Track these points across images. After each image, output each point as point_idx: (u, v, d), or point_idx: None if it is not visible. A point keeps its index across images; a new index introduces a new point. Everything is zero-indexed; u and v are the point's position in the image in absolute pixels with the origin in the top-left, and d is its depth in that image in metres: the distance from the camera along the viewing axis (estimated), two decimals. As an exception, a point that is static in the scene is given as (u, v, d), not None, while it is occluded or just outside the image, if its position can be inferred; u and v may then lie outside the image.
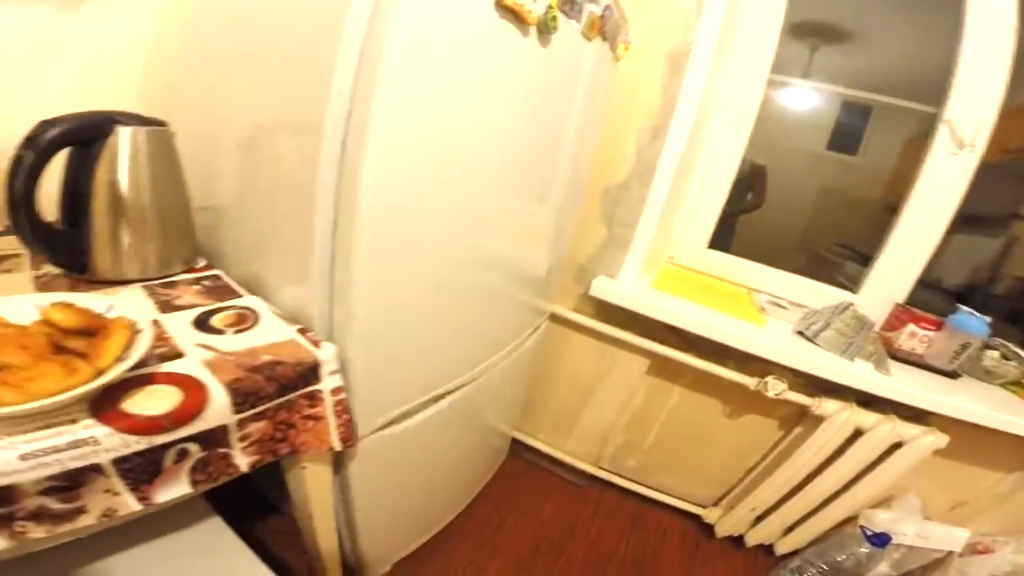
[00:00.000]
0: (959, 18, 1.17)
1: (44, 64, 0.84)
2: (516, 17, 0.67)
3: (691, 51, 1.11)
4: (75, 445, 0.44)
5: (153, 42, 0.95)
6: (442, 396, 0.94)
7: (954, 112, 1.19)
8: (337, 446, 0.68)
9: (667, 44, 1.13)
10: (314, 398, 0.64)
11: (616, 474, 1.57)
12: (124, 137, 0.68)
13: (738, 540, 1.48)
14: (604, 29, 0.90)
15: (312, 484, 0.76)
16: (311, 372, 0.63)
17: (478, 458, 1.33)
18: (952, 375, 1.24)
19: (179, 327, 0.63)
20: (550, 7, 0.71)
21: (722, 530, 1.47)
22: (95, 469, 0.46)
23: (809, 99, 1.72)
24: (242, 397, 0.55)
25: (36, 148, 0.62)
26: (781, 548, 1.42)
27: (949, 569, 1.27)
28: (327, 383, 0.65)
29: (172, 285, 0.74)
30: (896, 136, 1.63)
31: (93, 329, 0.52)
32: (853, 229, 1.76)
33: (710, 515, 1.49)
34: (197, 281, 0.77)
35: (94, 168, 0.68)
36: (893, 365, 1.19)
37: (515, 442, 1.60)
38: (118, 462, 0.47)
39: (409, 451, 0.94)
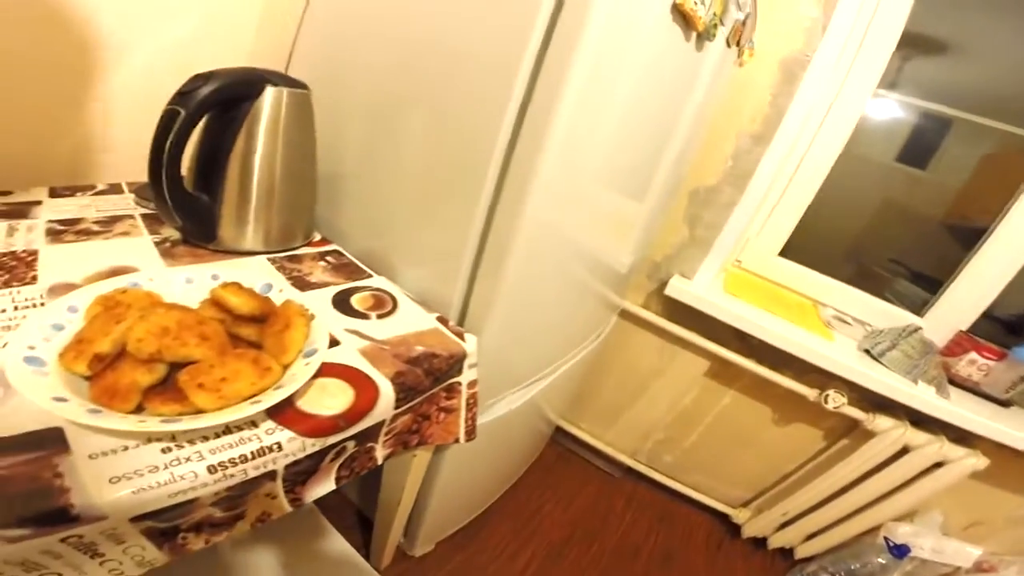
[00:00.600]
0: None
1: (162, 14, 0.80)
2: (686, 22, 0.65)
3: (809, 62, 1.07)
4: (260, 453, 0.41)
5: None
6: (527, 387, 0.95)
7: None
8: (463, 439, 0.68)
9: (783, 52, 1.10)
10: (452, 390, 0.64)
11: (652, 468, 1.61)
12: (270, 99, 0.65)
13: (760, 542, 1.53)
14: (741, 37, 0.87)
15: (415, 469, 0.77)
16: (458, 364, 0.62)
17: (530, 444, 1.36)
18: (1005, 404, 1.27)
19: (321, 308, 0.62)
20: (715, 15, 0.68)
21: (748, 531, 1.52)
22: (269, 475, 0.43)
23: (887, 108, 1.66)
24: (404, 392, 0.54)
25: (190, 104, 0.58)
26: (800, 552, 1.47)
27: None
28: (466, 376, 0.64)
29: (298, 260, 0.73)
30: (972, 153, 1.59)
31: (264, 315, 0.51)
32: (908, 245, 1.73)
33: (739, 515, 1.54)
34: (321, 256, 0.75)
35: (236, 130, 0.65)
36: (950, 389, 1.22)
37: (557, 429, 1.63)
38: (290, 466, 0.45)
39: (488, 438, 0.95)
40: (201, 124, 0.64)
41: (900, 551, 1.30)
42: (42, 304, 0.49)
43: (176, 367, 0.43)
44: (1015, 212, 1.26)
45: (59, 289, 0.51)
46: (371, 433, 0.54)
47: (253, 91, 0.64)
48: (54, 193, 0.74)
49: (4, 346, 0.41)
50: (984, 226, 1.36)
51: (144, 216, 0.73)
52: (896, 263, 1.73)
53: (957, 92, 1.61)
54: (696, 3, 0.61)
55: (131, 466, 0.36)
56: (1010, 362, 1.24)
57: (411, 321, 0.65)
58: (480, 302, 0.68)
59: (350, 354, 0.55)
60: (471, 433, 0.69)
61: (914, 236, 1.74)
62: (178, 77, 0.61)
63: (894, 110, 1.63)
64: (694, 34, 0.68)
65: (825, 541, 1.41)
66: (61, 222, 0.66)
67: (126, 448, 0.37)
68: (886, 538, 1.33)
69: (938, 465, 1.20)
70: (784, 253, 1.49)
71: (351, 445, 0.52)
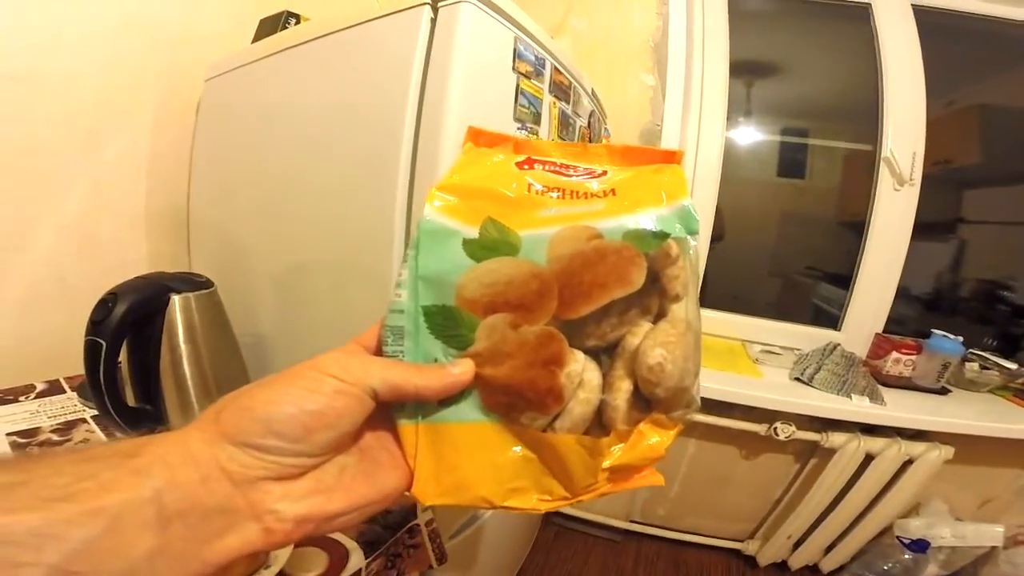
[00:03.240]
0: (875, 53, 1.43)
1: (51, 189, 0.91)
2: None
3: (661, 130, 1.30)
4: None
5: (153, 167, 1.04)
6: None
7: (890, 150, 1.44)
8: (435, 564, 0.79)
9: (638, 127, 1.33)
10: (413, 532, 0.76)
11: (649, 524, 1.71)
12: (179, 308, 0.74)
13: (782, 566, 1.64)
14: (590, 138, 1.07)
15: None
16: (411, 512, 0.75)
17: (520, 535, 1.43)
18: (941, 392, 1.44)
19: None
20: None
21: (764, 559, 1.62)
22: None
23: (751, 133, 1.93)
24: (368, 546, 0.66)
25: (107, 333, 0.67)
26: (826, 566, 1.57)
27: (999, 562, 1.43)
28: (422, 517, 0.76)
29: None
30: (834, 156, 1.88)
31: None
32: (818, 249, 1.96)
33: (749, 547, 1.65)
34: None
35: (158, 347, 0.74)
36: (885, 391, 1.38)
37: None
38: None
39: (468, 549, 1.05)
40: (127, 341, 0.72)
41: (919, 546, 1.41)
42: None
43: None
44: (876, 218, 1.51)
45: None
46: (354, 578, 0.64)
47: (161, 304, 0.73)
48: (-2, 400, 0.78)
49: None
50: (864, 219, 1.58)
51: (95, 418, 0.80)
52: (812, 269, 1.95)
53: (803, 106, 1.91)
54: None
55: None
56: (928, 353, 1.42)
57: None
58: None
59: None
60: (441, 559, 0.80)
61: (818, 239, 1.98)
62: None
63: (758, 133, 1.91)
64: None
65: (845, 551, 1.52)
66: (20, 434, 0.72)
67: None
68: (898, 537, 1.45)
69: (909, 462, 1.34)
70: (712, 300, 1.68)
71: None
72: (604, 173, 0.33)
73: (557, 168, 0.33)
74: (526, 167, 0.33)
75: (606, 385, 0.30)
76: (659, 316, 0.30)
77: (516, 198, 0.31)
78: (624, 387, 0.29)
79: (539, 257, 0.29)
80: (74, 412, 0.81)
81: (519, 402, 0.29)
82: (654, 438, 0.30)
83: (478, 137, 0.36)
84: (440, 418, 0.30)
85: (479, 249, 0.30)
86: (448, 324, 0.29)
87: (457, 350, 0.29)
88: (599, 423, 0.30)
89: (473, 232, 0.30)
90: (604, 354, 0.30)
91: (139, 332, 0.74)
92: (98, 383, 0.68)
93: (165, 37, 1.00)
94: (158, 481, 0.23)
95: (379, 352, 0.31)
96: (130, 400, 0.77)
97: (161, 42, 0.99)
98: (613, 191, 0.32)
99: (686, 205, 0.30)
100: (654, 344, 0.28)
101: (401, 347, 0.30)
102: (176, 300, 0.75)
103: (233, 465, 0.24)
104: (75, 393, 0.86)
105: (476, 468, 0.30)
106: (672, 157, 0.34)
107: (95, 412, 0.82)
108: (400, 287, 0.30)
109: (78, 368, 0.70)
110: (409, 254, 0.30)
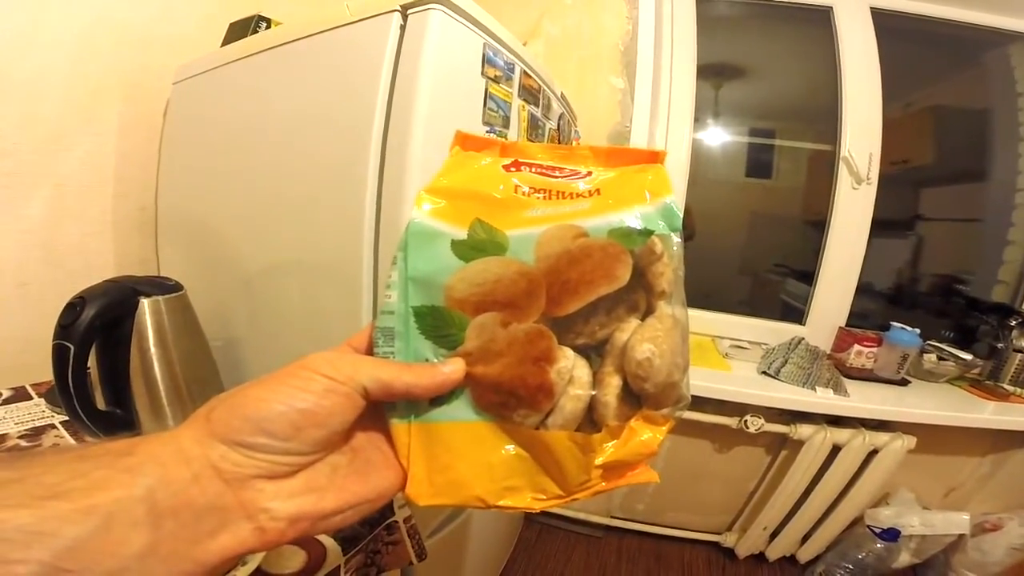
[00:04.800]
0: (835, 55, 1.49)
1: (13, 192, 0.89)
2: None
3: (630, 132, 1.35)
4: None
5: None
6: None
7: (847, 149, 1.52)
8: (415, 561, 0.80)
9: (607, 128, 1.36)
10: (391, 528, 0.77)
11: (629, 519, 1.76)
12: (148, 311, 0.75)
13: (760, 557, 1.69)
14: (559, 140, 1.10)
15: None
16: (388, 509, 0.77)
17: (503, 532, 1.46)
18: (902, 383, 1.51)
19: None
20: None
21: (742, 551, 1.67)
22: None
23: (719, 134, 1.99)
24: (346, 543, 0.68)
25: (75, 337, 0.67)
26: (803, 556, 1.63)
27: (967, 549, 1.51)
28: (400, 514, 0.78)
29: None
30: (799, 156, 1.95)
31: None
32: (786, 247, 2.03)
33: (727, 539, 1.70)
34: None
35: (127, 351, 0.75)
36: (848, 383, 1.45)
37: (527, 510, 1.75)
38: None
39: (452, 544, 1.06)
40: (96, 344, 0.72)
41: (890, 534, 1.47)
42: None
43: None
44: (835, 217, 1.58)
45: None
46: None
47: (130, 307, 0.73)
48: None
49: None
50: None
51: (64, 423, 0.80)
52: (780, 266, 2.02)
53: (764, 107, 1.98)
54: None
55: None
56: (888, 346, 1.49)
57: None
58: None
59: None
60: (421, 555, 0.81)
61: (786, 237, 2.05)
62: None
63: (727, 134, 1.97)
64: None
65: (820, 541, 1.58)
66: (-14, 440, 0.70)
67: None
68: (869, 526, 1.51)
69: (874, 452, 1.40)
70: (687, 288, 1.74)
71: (317, 587, 0.64)
72: (589, 174, 0.34)
73: (543, 170, 0.34)
74: (513, 169, 0.34)
75: (596, 382, 0.30)
76: (647, 313, 0.31)
77: (503, 199, 0.32)
78: (614, 383, 0.30)
79: (527, 256, 0.30)
80: (42, 418, 0.81)
81: (510, 400, 0.30)
82: (646, 434, 0.31)
83: (466, 141, 0.36)
84: (433, 417, 0.30)
85: (467, 250, 0.30)
86: (438, 324, 0.30)
87: (448, 350, 0.30)
88: (590, 420, 0.31)
89: (461, 233, 0.31)
90: (593, 352, 0.31)
91: (108, 336, 0.74)
92: (67, 387, 0.69)
93: (132, 38, 0.99)
94: (150, 479, 0.23)
95: (370, 354, 0.31)
96: (100, 404, 0.77)
97: (128, 43, 0.99)
98: (598, 191, 0.33)
99: (668, 203, 0.31)
100: (642, 339, 0.29)
101: (392, 348, 0.30)
102: (145, 303, 0.75)
103: (224, 464, 0.25)
104: (42, 399, 0.86)
105: (470, 467, 0.30)
106: (656, 157, 0.35)
107: (64, 418, 0.82)
108: (390, 288, 0.31)
109: (43, 374, 0.70)
110: (398, 256, 0.31)
